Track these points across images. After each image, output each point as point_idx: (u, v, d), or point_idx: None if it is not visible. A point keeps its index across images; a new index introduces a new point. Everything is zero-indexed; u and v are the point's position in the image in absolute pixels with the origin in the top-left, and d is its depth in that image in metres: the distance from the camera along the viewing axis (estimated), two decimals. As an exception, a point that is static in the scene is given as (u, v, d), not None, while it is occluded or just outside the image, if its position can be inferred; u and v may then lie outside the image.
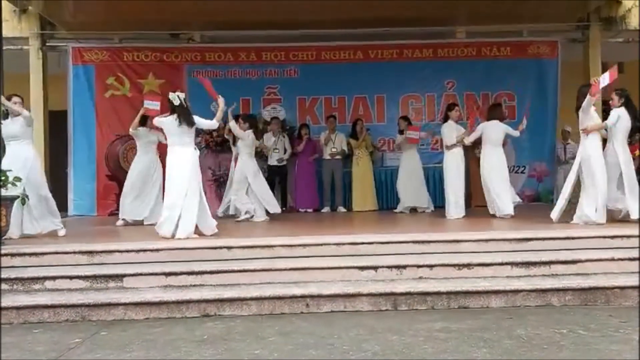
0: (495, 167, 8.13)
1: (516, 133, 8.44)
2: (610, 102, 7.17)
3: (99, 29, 10.25)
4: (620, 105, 7.02)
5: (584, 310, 4.78)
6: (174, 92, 6.73)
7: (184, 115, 6.51)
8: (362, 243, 5.83)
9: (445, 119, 8.53)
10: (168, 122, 6.57)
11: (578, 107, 6.98)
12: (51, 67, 10.41)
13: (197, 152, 6.71)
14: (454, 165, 8.24)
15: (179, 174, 6.41)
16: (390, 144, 10.75)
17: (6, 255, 5.53)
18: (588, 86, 7.02)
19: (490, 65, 10.70)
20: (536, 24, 10.47)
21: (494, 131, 8.25)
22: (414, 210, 9.43)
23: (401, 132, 9.59)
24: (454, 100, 10.43)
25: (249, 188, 8.32)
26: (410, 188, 9.37)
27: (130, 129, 8.16)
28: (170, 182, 6.48)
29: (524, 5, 9.52)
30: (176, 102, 6.53)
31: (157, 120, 6.80)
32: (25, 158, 6.74)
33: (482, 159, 8.32)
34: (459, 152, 8.32)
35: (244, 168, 8.32)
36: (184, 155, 6.47)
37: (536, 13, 9.91)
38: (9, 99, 6.81)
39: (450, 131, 8.33)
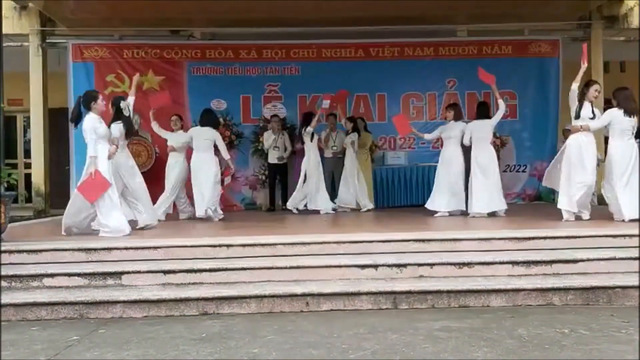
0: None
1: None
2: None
3: (99, 25, 10.25)
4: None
5: (586, 310, 4.75)
6: (124, 100, 7.16)
7: (130, 125, 7.12)
8: (363, 241, 5.80)
9: (482, 115, 8.39)
10: (119, 129, 6.98)
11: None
12: (51, 64, 10.40)
13: None
14: (493, 160, 8.23)
15: (135, 173, 7.14)
16: (391, 143, 10.72)
17: (4, 252, 5.50)
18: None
19: (491, 64, 10.58)
20: (538, 22, 10.44)
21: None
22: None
23: (346, 133, 9.61)
24: (454, 100, 10.42)
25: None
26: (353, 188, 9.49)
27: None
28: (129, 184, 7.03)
29: (526, 4, 9.49)
30: (126, 113, 7.02)
31: (112, 128, 7.01)
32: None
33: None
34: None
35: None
36: (129, 157, 7.19)
37: (538, 12, 9.88)
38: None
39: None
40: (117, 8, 9.33)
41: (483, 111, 8.51)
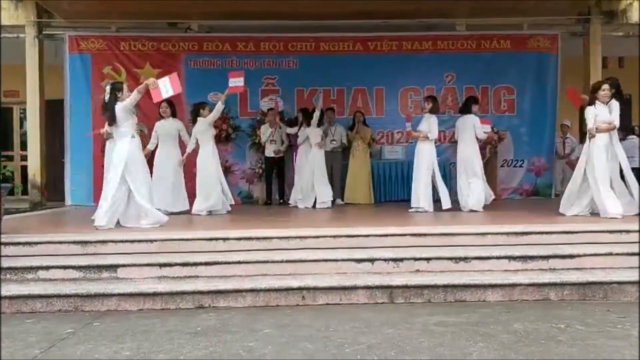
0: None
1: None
2: None
3: (96, 17, 10.17)
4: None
5: (582, 305, 4.75)
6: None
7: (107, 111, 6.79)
8: (359, 235, 5.79)
9: (467, 111, 8.37)
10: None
11: None
12: (48, 56, 10.34)
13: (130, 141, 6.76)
14: (477, 155, 8.25)
15: None
16: (389, 137, 10.69)
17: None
18: None
19: (490, 58, 10.63)
20: (537, 17, 10.41)
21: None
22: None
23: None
24: (453, 94, 10.41)
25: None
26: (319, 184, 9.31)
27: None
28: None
29: (525, -2, 9.47)
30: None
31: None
32: None
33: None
34: None
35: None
36: None
37: (537, 6, 9.85)
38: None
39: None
40: (114, 0, 9.28)
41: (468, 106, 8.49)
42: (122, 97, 6.72)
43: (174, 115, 8.60)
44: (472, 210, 8.01)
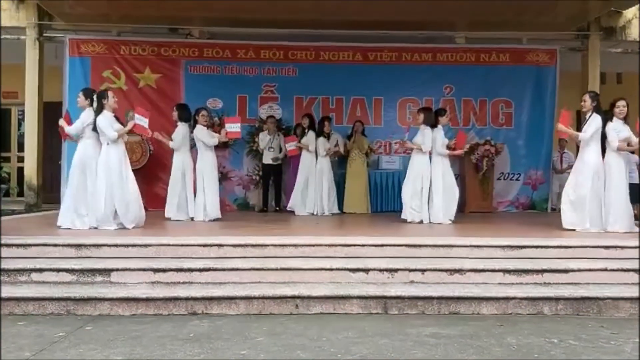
0: None
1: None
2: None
3: (97, 21, 10.20)
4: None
5: (576, 320, 4.75)
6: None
7: None
8: (354, 245, 5.77)
9: (435, 124, 8.12)
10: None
11: None
12: (48, 58, 10.35)
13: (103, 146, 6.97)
14: (448, 170, 8.13)
15: None
16: (386, 147, 10.71)
17: (-7, 245, 5.45)
18: None
19: (488, 71, 10.67)
20: (536, 31, 10.47)
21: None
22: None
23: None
24: (451, 106, 10.43)
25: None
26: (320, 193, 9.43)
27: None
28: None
29: (524, 13, 9.50)
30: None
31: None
32: None
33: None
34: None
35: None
36: None
37: (536, 21, 9.90)
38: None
39: (442, 137, 8.09)
40: (115, 4, 9.31)
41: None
42: (107, 103, 6.96)
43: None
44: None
